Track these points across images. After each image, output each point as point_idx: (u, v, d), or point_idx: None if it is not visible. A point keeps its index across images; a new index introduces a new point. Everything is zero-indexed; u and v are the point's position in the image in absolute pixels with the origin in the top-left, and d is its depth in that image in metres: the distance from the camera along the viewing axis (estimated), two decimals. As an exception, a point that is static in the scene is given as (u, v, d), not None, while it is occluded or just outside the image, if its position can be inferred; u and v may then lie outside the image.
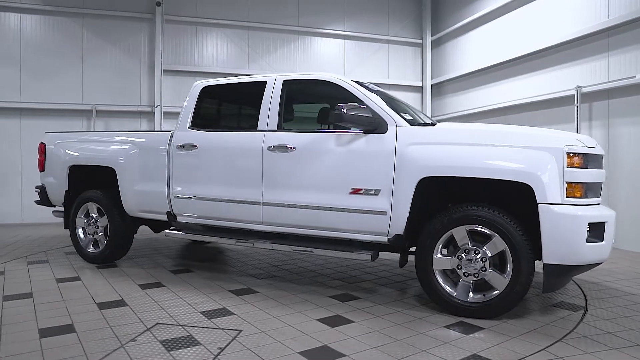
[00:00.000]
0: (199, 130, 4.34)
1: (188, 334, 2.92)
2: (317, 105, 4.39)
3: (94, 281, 4.22)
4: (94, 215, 4.88)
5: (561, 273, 3.02)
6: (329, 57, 9.95)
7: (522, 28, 7.63)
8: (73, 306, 3.49)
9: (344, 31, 10.01)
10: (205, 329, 3.03)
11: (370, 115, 3.49)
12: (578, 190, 3.01)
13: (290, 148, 3.78)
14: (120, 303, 3.57)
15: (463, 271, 3.23)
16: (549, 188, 2.97)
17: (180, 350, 2.68)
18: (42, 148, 5.26)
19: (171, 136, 4.43)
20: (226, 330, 3.00)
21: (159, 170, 4.43)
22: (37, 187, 5.36)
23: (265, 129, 3.98)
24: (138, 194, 4.56)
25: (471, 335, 2.91)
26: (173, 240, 6.36)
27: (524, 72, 7.62)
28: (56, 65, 8.23)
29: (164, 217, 4.49)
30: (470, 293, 3.24)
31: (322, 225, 3.71)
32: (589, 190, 3.07)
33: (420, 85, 10.42)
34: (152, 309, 3.45)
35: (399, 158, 3.38)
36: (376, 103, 3.63)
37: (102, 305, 3.51)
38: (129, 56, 8.63)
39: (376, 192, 3.46)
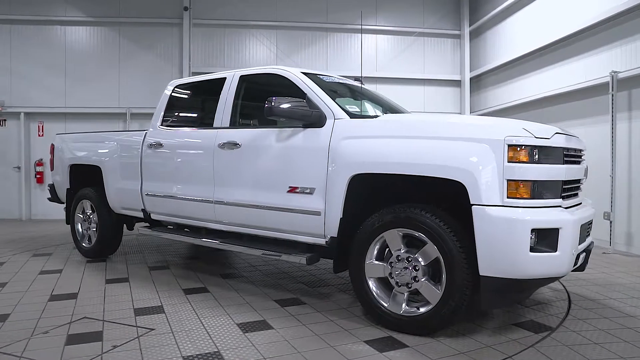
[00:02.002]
0: (166, 129, 4.38)
1: (100, 330, 2.92)
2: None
3: (70, 274, 4.42)
4: (88, 212, 5.14)
5: (501, 288, 2.57)
6: (360, 54, 9.64)
7: (561, 9, 6.76)
8: (29, 297, 3.67)
9: (375, 25, 9.65)
10: (123, 325, 3.01)
11: (305, 108, 3.24)
12: (523, 190, 2.53)
13: (238, 145, 3.66)
14: (72, 296, 3.69)
15: (395, 280, 2.88)
16: (485, 187, 2.53)
17: (77, 344, 2.68)
18: (52, 148, 5.65)
19: (145, 135, 4.51)
20: (139, 328, 2.96)
21: (134, 168, 4.54)
22: (49, 185, 5.78)
23: (220, 125, 3.90)
24: (119, 192, 4.70)
25: (384, 353, 2.57)
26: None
27: (563, 58, 6.76)
28: (96, 71, 8.87)
29: (141, 214, 4.59)
30: (404, 305, 2.87)
31: (265, 225, 3.54)
32: (541, 189, 2.57)
33: (459, 79, 9.72)
34: (95, 303, 3.51)
35: (332, 153, 3.11)
36: (317, 95, 3.38)
37: (54, 297, 3.65)
38: (161, 60, 9.04)
39: (311, 191, 3.22)
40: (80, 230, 5.27)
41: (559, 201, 2.65)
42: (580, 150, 3.15)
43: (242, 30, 9.29)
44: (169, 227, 4.61)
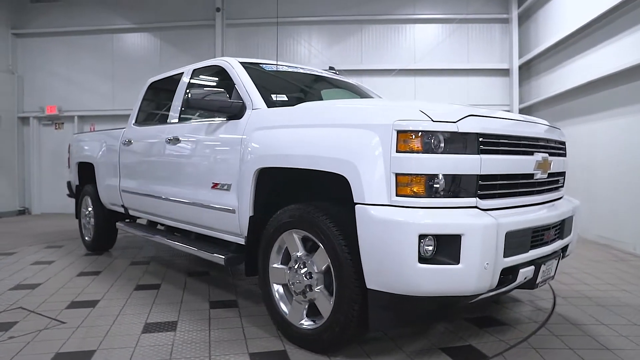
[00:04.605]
0: (137, 127, 4.44)
1: (18, 320, 2.99)
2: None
3: (56, 266, 4.64)
4: (89, 208, 5.40)
5: (390, 305, 2.14)
6: (396, 45, 9.13)
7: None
8: (-1, 285, 3.91)
9: (414, 15, 9.06)
10: (43, 317, 3.06)
11: (224, 99, 3.03)
12: (416, 186, 2.08)
13: (179, 140, 3.56)
14: (33, 286, 3.85)
15: (293, 288, 2.56)
16: (369, 182, 2.14)
17: (-19, 334, 2.76)
18: (69, 148, 6.05)
19: (122, 133, 4.62)
20: (53, 321, 2.98)
21: (115, 165, 4.66)
22: (67, 182, 6.20)
23: (172, 120, 3.83)
24: (106, 188, 4.87)
25: (255, 368, 2.29)
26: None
27: (615, 33, 5.72)
28: (139, 75, 9.34)
29: (122, 210, 4.70)
30: (303, 316, 2.54)
31: (199, 223, 3.42)
32: (443, 185, 2.08)
33: (507, 67, 8.76)
34: (45, 294, 3.62)
35: (244, 146, 2.87)
36: (243, 85, 3.16)
37: (17, 287, 3.84)
38: (197, 61, 9.29)
39: (228, 187, 3.01)
40: (85, 224, 5.56)
41: (472, 201, 2.14)
42: (538, 139, 2.57)
43: (274, 28, 9.24)
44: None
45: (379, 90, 9.04)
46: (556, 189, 2.90)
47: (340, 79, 4.25)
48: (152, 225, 4.63)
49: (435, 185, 2.08)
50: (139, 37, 9.50)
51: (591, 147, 6.18)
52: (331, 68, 4.42)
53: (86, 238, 5.47)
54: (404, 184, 2.09)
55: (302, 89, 3.81)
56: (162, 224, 4.40)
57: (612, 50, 5.78)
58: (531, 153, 2.48)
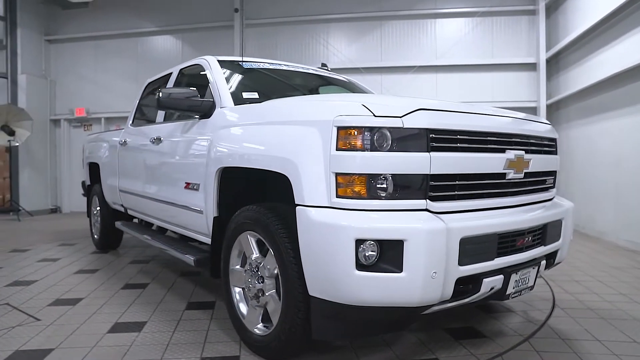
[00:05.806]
0: (132, 127, 4.50)
1: (-1, 317, 3.08)
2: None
3: (60, 264, 4.77)
4: (98, 207, 5.54)
5: (331, 314, 2.01)
6: (417, 41, 8.84)
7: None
8: (-3, 282, 4.06)
9: (435, 9, 8.75)
10: (23, 314, 3.13)
11: (194, 98, 2.97)
12: (358, 186, 1.94)
13: (160, 140, 3.56)
14: (28, 283, 3.96)
15: (248, 292, 2.47)
16: (309, 182, 2.01)
17: (-44, 329, 2.85)
18: (82, 148, 6.24)
19: (121, 134, 4.69)
20: (30, 318, 3.04)
21: (115, 165, 4.75)
22: (81, 181, 6.40)
23: (158, 120, 3.85)
24: (108, 188, 4.97)
25: (199, 374, 2.21)
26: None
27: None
28: (161, 78, 9.63)
29: (123, 209, 4.79)
30: (259, 321, 2.45)
31: (175, 222, 3.41)
32: (388, 186, 1.92)
33: (534, 61, 8.27)
34: (36, 291, 3.71)
35: (210, 145, 2.81)
36: (216, 83, 3.11)
37: (15, 283, 3.96)
38: (216, 64, 9.43)
39: (197, 187, 2.96)
40: (94, 223, 5.71)
41: (421, 203, 1.97)
42: (511, 135, 2.35)
43: (294, 27, 9.20)
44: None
45: (399, 88, 8.90)
46: (544, 189, 2.66)
47: (332, 75, 4.12)
48: (148, 225, 4.69)
49: (378, 186, 1.93)
50: (162, 39, 9.74)
51: (620, 143, 5.70)
52: (323, 65, 4.32)
53: (95, 236, 5.62)
54: (344, 184, 1.95)
55: (290, 86, 3.71)
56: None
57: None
58: (502, 150, 2.26)
